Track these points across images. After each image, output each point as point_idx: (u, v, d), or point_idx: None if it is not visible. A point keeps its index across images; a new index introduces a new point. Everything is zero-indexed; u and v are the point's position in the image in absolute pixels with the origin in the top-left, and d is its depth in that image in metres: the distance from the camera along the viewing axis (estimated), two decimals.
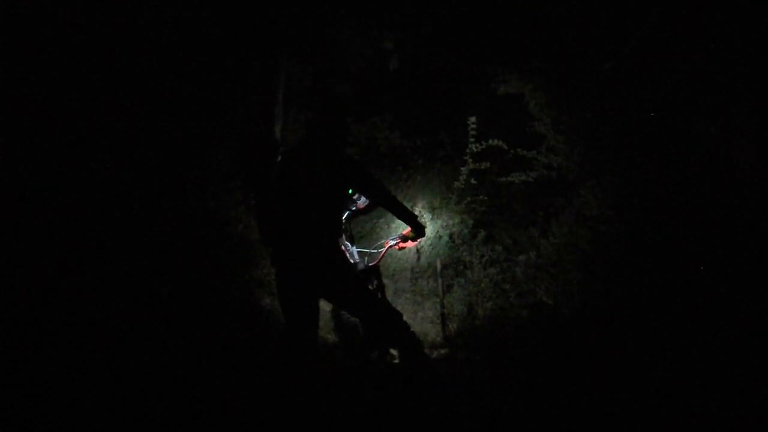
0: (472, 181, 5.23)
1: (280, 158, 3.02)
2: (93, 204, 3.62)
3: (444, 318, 4.34)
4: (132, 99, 4.15)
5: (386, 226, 5.52)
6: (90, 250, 3.43)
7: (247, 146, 5.43)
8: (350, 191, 3.89)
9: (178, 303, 3.70)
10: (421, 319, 4.54)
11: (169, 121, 4.46)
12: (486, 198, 5.37)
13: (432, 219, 5.39)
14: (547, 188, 4.80)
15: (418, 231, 3.23)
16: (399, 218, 3.16)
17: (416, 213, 5.23)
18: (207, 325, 3.74)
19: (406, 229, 3.35)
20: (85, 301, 3.17)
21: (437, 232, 5.24)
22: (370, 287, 3.70)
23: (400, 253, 5.23)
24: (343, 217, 4.02)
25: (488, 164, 5.16)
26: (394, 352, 3.70)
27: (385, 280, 4.84)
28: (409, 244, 3.48)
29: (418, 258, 5.10)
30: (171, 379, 2.94)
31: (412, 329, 3.05)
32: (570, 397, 2.85)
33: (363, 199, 4.14)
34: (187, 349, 3.29)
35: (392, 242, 3.62)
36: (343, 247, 3.49)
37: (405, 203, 4.89)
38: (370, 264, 3.80)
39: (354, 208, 4.10)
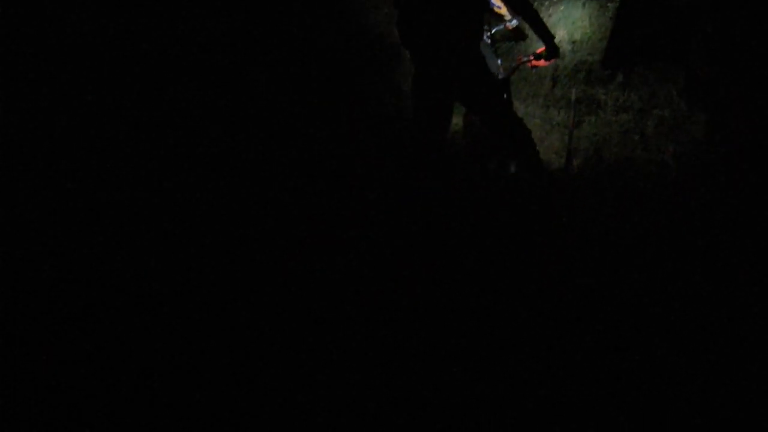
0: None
1: None
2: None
3: (570, 153, 4.69)
4: None
5: (525, 49, 5.61)
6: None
7: None
8: None
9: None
10: (547, 147, 4.85)
11: None
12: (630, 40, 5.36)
13: (572, 51, 5.45)
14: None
15: (552, 51, 3.38)
16: (535, 32, 3.28)
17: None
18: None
19: (541, 48, 3.51)
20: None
21: (575, 66, 5.35)
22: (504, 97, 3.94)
23: (534, 78, 5.39)
24: (490, 32, 4.15)
25: None
26: (513, 167, 4.06)
27: (516, 103, 5.12)
28: (541, 63, 3.66)
29: (553, 86, 5.27)
30: None
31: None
32: (684, 268, 3.11)
33: (514, 21, 4.24)
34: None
35: (525, 59, 3.81)
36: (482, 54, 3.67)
37: None
38: (501, 77, 4.04)
39: (502, 27, 4.22)
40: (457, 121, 4.63)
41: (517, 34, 4.46)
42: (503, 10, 4.20)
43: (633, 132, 4.66)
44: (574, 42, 5.52)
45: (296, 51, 4.42)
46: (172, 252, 3.17)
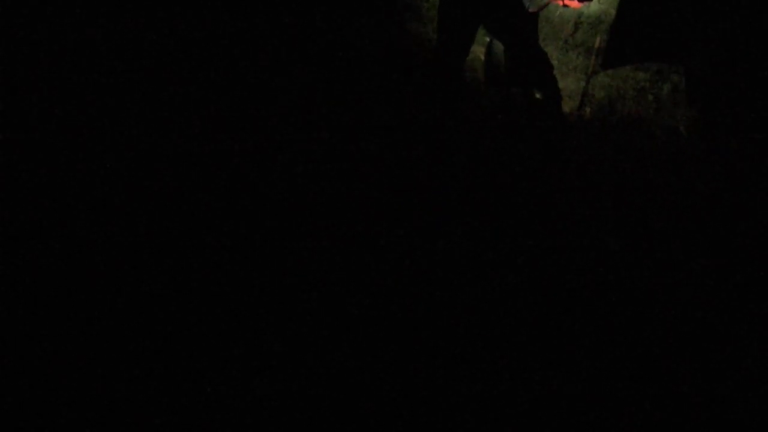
0: None
1: None
2: None
3: (584, 98, 4.61)
4: None
5: None
6: None
7: None
8: None
9: None
10: (561, 89, 4.74)
11: None
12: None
13: (597, 1, 5.33)
14: None
15: None
16: None
17: None
18: None
19: None
20: None
21: (599, 16, 5.22)
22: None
23: (556, 20, 5.24)
24: None
25: None
26: (538, 94, 3.99)
27: None
28: (574, 3, 3.59)
29: (575, 31, 5.13)
30: None
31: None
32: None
33: None
34: None
35: None
36: None
37: None
38: (531, 10, 3.91)
39: None
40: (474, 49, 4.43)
41: None
42: None
43: (648, 91, 4.62)
44: None
45: None
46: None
